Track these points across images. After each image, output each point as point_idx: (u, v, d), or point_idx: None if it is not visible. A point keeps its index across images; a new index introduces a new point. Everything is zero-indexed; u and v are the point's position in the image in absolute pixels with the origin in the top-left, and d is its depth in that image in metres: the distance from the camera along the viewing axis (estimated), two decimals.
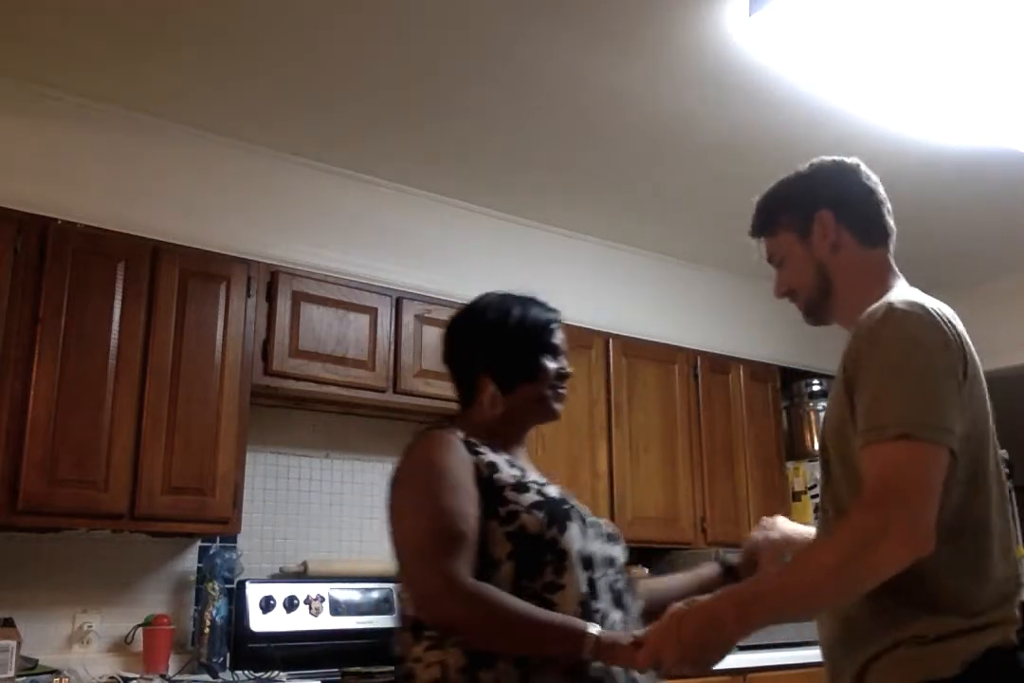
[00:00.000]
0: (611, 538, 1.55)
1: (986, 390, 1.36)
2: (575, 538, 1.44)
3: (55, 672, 2.54)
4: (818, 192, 1.50)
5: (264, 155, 3.17)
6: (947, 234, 3.91)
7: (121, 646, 2.86)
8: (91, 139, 2.86)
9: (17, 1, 2.39)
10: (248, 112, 2.96)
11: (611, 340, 3.86)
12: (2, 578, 2.71)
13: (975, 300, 4.48)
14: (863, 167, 1.53)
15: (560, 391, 1.61)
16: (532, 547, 1.40)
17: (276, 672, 2.75)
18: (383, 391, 3.18)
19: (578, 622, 1.33)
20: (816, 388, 4.43)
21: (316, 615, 3.08)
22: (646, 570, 3.74)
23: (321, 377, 3.05)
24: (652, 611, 1.49)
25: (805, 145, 3.06)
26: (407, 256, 3.36)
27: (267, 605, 3.01)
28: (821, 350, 3.96)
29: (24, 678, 2.45)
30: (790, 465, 4.27)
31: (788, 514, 4.15)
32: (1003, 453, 4.83)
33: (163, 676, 2.75)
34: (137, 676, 2.70)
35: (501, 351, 1.57)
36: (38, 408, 2.55)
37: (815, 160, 1.55)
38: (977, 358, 1.35)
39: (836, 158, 1.54)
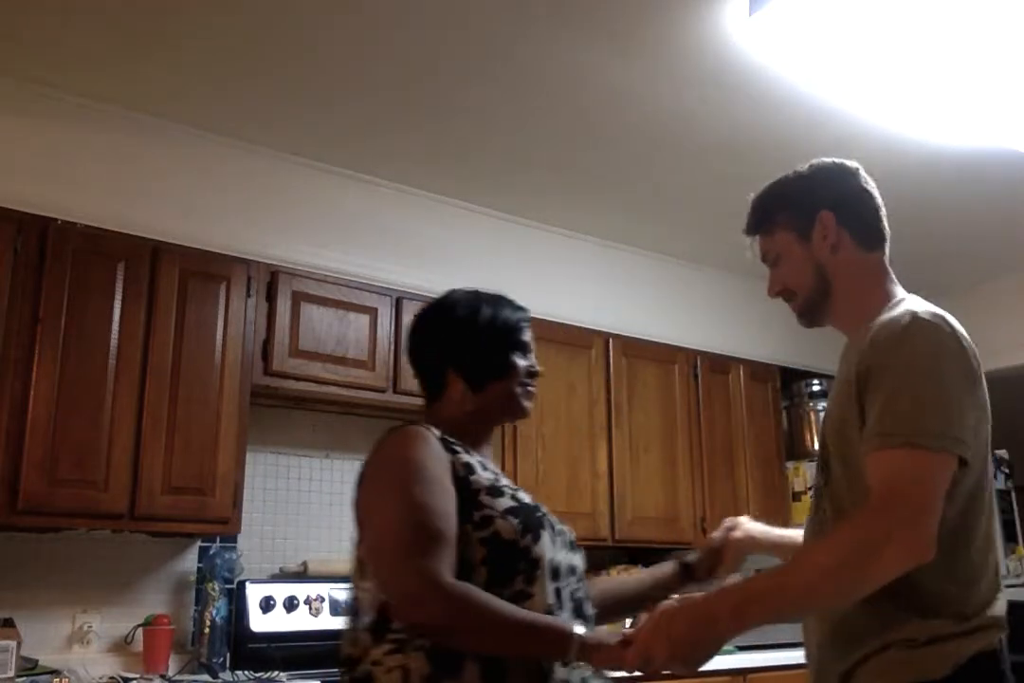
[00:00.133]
0: (573, 546, 1.51)
1: (988, 401, 1.37)
2: (547, 547, 1.42)
3: (55, 672, 2.54)
4: (819, 193, 1.49)
5: (264, 155, 3.17)
6: (947, 234, 3.91)
7: (121, 646, 2.86)
8: (91, 139, 2.86)
9: (17, 1, 2.39)
10: (248, 112, 2.96)
11: (611, 340, 3.86)
12: (2, 578, 2.71)
13: (975, 300, 4.48)
14: (862, 170, 1.54)
15: (530, 389, 1.59)
16: (506, 554, 1.37)
17: (276, 672, 2.75)
18: (383, 391, 3.18)
19: (564, 623, 1.31)
20: (816, 388, 4.43)
21: (316, 615, 3.08)
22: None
23: (321, 377, 3.05)
24: (605, 611, 1.48)
25: (805, 145, 3.06)
26: (407, 256, 3.36)
27: (267, 605, 3.01)
28: (821, 350, 3.96)
29: (24, 678, 2.45)
30: (790, 465, 4.27)
31: (788, 514, 4.16)
32: (1003, 453, 4.81)
33: (163, 676, 2.75)
34: (137, 676, 2.70)
35: (472, 349, 1.54)
36: (38, 408, 2.55)
37: (815, 161, 1.54)
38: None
39: (837, 160, 1.54)
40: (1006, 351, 4.26)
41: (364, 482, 1.44)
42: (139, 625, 2.85)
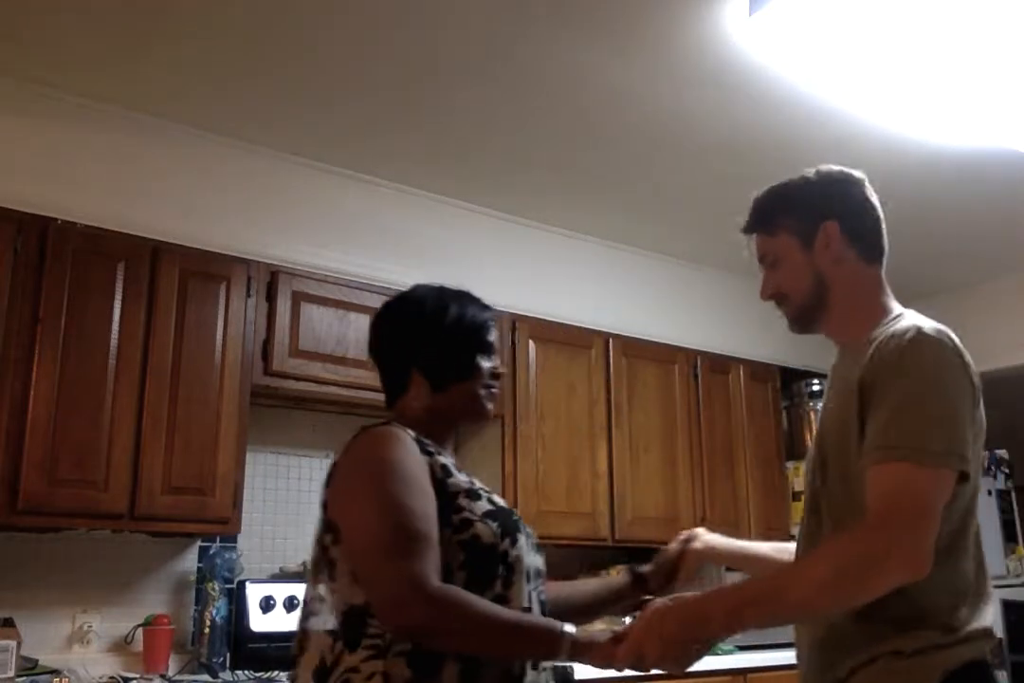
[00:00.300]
0: (538, 548, 1.50)
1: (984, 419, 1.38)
2: (523, 550, 1.41)
3: (55, 672, 2.54)
4: (825, 201, 1.48)
5: (264, 155, 3.17)
6: (947, 234, 3.91)
7: (121, 646, 2.86)
8: (91, 139, 2.86)
9: (17, 1, 2.39)
10: (248, 112, 2.96)
11: (611, 340, 3.86)
12: (2, 578, 2.71)
13: (975, 300, 4.49)
14: (867, 181, 1.53)
15: (493, 391, 1.54)
16: (485, 558, 1.36)
17: (276, 672, 2.75)
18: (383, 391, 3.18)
19: (553, 623, 1.30)
20: (816, 388, 4.43)
21: None
22: None
23: (321, 377, 3.05)
24: (555, 617, 1.45)
25: (805, 145, 3.07)
26: (407, 256, 3.36)
27: (267, 605, 3.01)
28: (821, 350, 3.92)
29: (24, 678, 2.45)
30: (790, 465, 4.27)
31: (788, 514, 4.16)
32: (1003, 453, 4.81)
33: (163, 676, 2.75)
34: (137, 676, 2.70)
35: (437, 349, 1.51)
36: (38, 408, 2.55)
37: (823, 168, 1.53)
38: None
39: (844, 169, 1.53)
40: (1006, 351, 4.26)
41: (339, 482, 1.40)
42: (139, 625, 2.85)
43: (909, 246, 4.04)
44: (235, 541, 3.09)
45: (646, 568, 1.68)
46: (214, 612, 2.91)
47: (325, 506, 1.42)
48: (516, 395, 3.53)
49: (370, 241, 3.33)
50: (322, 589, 1.39)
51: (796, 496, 4.24)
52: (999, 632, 3.84)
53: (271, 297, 3.04)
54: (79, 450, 2.59)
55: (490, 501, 1.43)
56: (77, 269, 2.69)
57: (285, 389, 3.04)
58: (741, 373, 4.23)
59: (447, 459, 1.45)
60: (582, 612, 1.61)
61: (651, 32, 2.52)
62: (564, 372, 3.69)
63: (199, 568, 3.03)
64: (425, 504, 1.33)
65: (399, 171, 3.36)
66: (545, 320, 3.71)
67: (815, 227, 1.47)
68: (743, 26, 2.45)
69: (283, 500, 3.27)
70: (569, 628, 1.27)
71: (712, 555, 1.65)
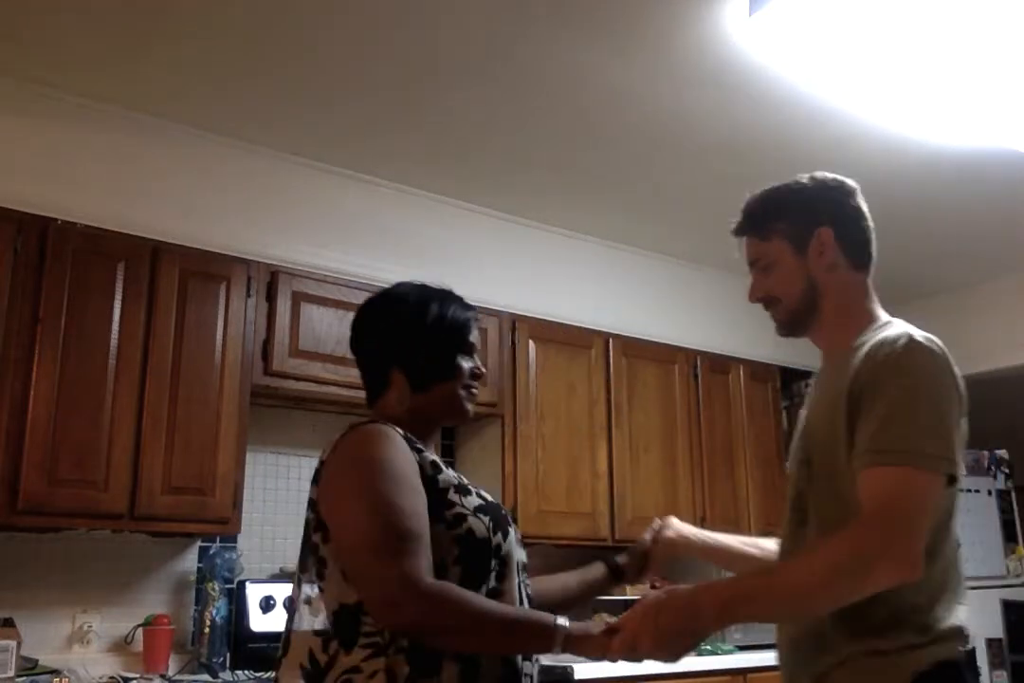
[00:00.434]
0: (521, 542, 1.51)
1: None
2: (514, 544, 1.43)
3: (55, 672, 2.54)
4: (820, 208, 1.51)
5: (264, 155, 3.17)
6: (947, 234, 3.91)
7: (121, 646, 2.86)
8: (91, 139, 2.86)
9: (17, 1, 2.39)
10: (248, 112, 2.96)
11: (611, 340, 3.86)
12: (2, 578, 2.71)
13: (975, 300, 4.49)
14: (859, 190, 1.55)
15: (473, 391, 1.54)
16: (479, 552, 1.37)
17: (274, 675, 2.75)
18: None
19: (546, 616, 1.30)
20: None
21: None
22: None
23: (321, 377, 3.05)
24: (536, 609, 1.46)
25: (805, 145, 3.07)
26: (407, 256, 3.36)
27: (267, 605, 3.01)
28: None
29: (24, 678, 2.45)
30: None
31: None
32: (1003, 453, 4.80)
33: (163, 676, 2.75)
34: (137, 676, 2.70)
35: (419, 348, 1.50)
36: (38, 408, 2.55)
37: (817, 174, 1.55)
38: None
39: (838, 177, 1.55)
40: (1006, 351, 4.26)
41: (329, 481, 1.39)
42: (139, 625, 2.85)
43: (909, 246, 4.08)
44: (235, 541, 3.09)
45: (621, 559, 1.69)
46: (214, 612, 2.92)
47: (313, 504, 1.42)
48: (516, 395, 3.53)
49: (370, 241, 3.33)
50: (309, 589, 1.38)
51: None
52: (999, 632, 3.84)
53: (271, 297, 3.04)
54: (79, 450, 2.59)
55: (479, 496, 1.44)
56: (77, 269, 2.69)
57: (285, 389, 3.04)
58: (741, 373, 4.23)
59: (434, 456, 1.45)
60: (561, 605, 1.62)
61: (651, 32, 2.52)
62: (564, 372, 3.69)
63: (199, 568, 3.03)
64: (416, 502, 1.33)
65: (399, 171, 3.36)
66: (545, 320, 3.71)
67: (809, 233, 1.49)
68: (743, 26, 2.45)
69: (283, 500, 3.27)
70: (563, 621, 1.28)
71: (684, 545, 1.68)
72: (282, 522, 3.25)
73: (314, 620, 1.35)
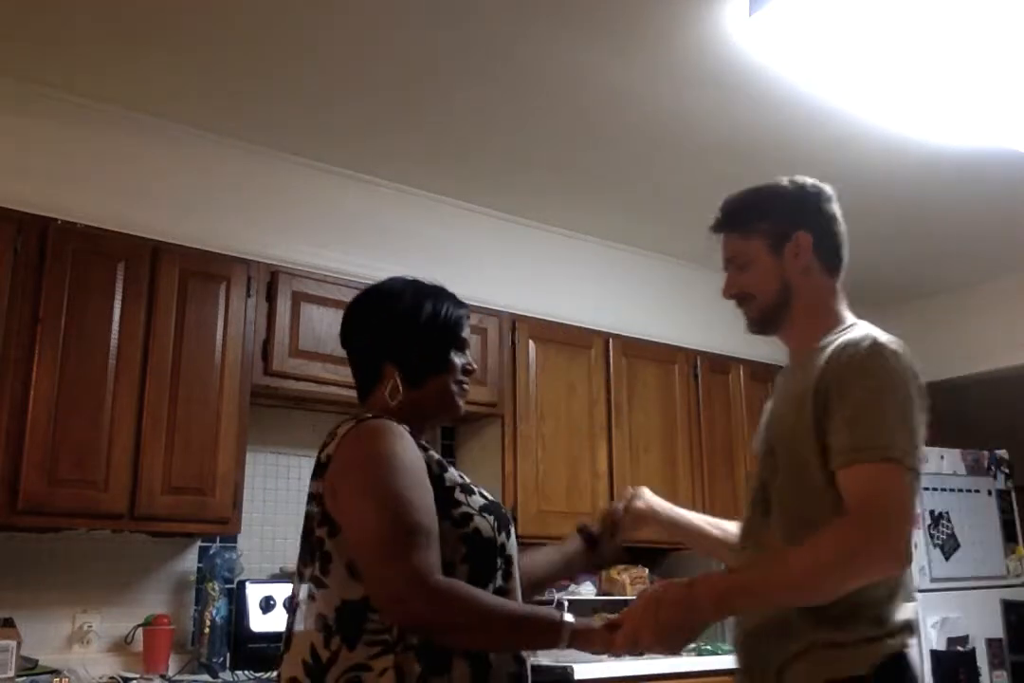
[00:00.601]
0: (518, 542, 1.52)
1: None
2: (514, 543, 1.45)
3: (55, 672, 2.55)
4: (801, 212, 1.56)
5: (264, 155, 3.17)
6: (947, 234, 3.91)
7: (121, 646, 2.86)
8: (91, 139, 2.86)
9: (17, 1, 2.39)
10: (248, 112, 2.96)
11: (611, 340, 3.86)
12: (2, 578, 2.71)
13: (975, 300, 4.49)
14: (835, 196, 1.59)
15: (465, 387, 1.55)
16: (485, 551, 1.38)
17: (276, 672, 2.74)
18: None
19: (552, 612, 1.33)
20: None
21: None
22: (646, 570, 3.74)
23: (321, 377, 3.05)
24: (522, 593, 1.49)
25: (805, 145, 3.07)
26: (407, 256, 3.36)
27: (267, 605, 3.01)
28: None
29: (24, 678, 2.45)
30: None
31: None
32: (1003, 453, 4.79)
33: (163, 676, 2.75)
34: (137, 676, 2.70)
35: (413, 343, 1.51)
36: (38, 408, 2.55)
37: (797, 178, 1.59)
38: None
39: (817, 182, 1.59)
40: (1006, 351, 4.26)
41: (338, 476, 1.38)
42: (139, 625, 2.85)
43: (909, 246, 4.08)
44: (235, 541, 3.09)
45: (594, 527, 1.75)
46: (214, 612, 2.92)
47: (316, 498, 1.40)
48: (516, 395, 3.53)
49: (370, 241, 3.33)
50: (311, 585, 1.38)
51: None
52: (999, 632, 3.84)
53: (271, 297, 3.04)
54: (79, 450, 2.59)
55: (482, 495, 1.45)
56: (77, 269, 2.69)
57: (285, 389, 3.04)
58: (741, 373, 4.23)
59: (438, 455, 1.46)
60: (544, 581, 1.67)
61: (651, 32, 2.52)
62: (564, 372, 3.69)
63: (199, 568, 3.03)
64: (426, 498, 1.34)
65: (399, 171, 3.36)
66: (545, 320, 3.71)
67: (787, 235, 1.54)
68: (743, 26, 2.45)
69: (283, 500, 3.27)
70: (568, 617, 1.30)
71: (651, 516, 1.75)
72: (282, 522, 3.25)
73: (316, 616, 1.35)
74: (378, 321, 1.54)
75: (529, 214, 3.74)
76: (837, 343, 1.44)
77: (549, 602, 3.37)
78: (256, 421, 3.06)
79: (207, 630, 2.89)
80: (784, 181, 1.58)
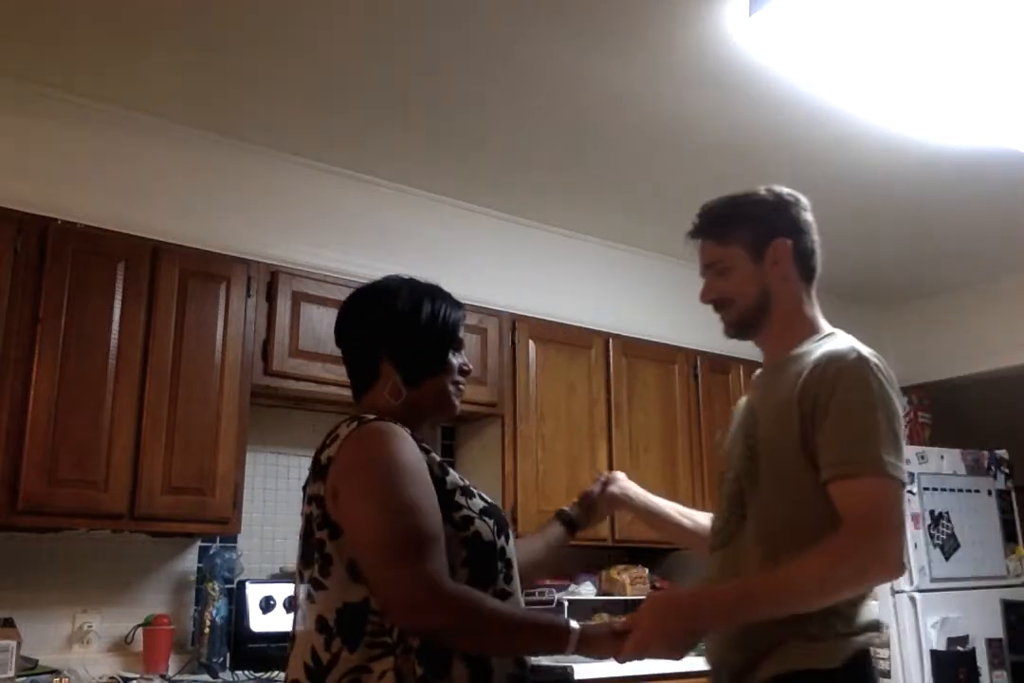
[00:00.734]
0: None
1: None
2: (513, 546, 1.45)
3: (55, 672, 2.55)
4: (780, 220, 1.59)
5: (264, 155, 3.17)
6: (947, 234, 3.91)
7: (121, 646, 2.86)
8: (91, 139, 2.86)
9: (17, 1, 2.39)
10: (248, 112, 2.96)
11: (611, 340, 3.86)
12: (2, 578, 2.71)
13: (975, 300, 4.49)
14: (810, 206, 1.63)
15: (461, 387, 1.55)
16: (485, 555, 1.38)
17: (276, 672, 2.75)
18: None
19: (559, 618, 1.35)
20: None
21: None
22: (646, 570, 3.74)
23: (321, 377, 3.05)
24: None
25: (805, 145, 3.07)
26: (407, 256, 3.36)
27: (267, 605, 3.01)
28: None
29: (24, 678, 2.45)
30: None
31: None
32: (1003, 453, 4.79)
33: (163, 676, 2.75)
34: (137, 676, 2.70)
35: (412, 343, 1.50)
36: (38, 408, 2.55)
37: (774, 188, 1.62)
38: None
39: (794, 192, 1.62)
40: (1006, 351, 4.26)
41: (340, 478, 1.35)
42: (139, 625, 2.85)
43: (909, 246, 4.08)
44: (235, 541, 3.09)
45: (573, 510, 1.78)
46: (214, 612, 2.92)
47: (316, 500, 1.38)
48: (516, 395, 3.53)
49: (370, 241, 3.33)
50: (309, 586, 1.37)
51: None
52: (999, 632, 3.84)
53: (271, 297, 3.04)
54: (79, 450, 2.59)
55: (482, 498, 1.44)
56: (77, 269, 2.69)
57: (285, 389, 3.04)
58: (741, 373, 4.23)
59: (439, 457, 1.46)
60: (536, 567, 1.69)
61: (651, 32, 2.52)
62: (564, 372, 3.69)
63: (199, 568, 3.03)
64: (432, 502, 1.34)
65: (399, 171, 3.36)
66: (545, 320, 3.71)
67: (767, 243, 1.57)
68: (743, 26, 2.45)
69: (283, 500, 3.27)
70: (575, 623, 1.31)
71: (625, 502, 1.79)
72: (282, 522, 3.25)
73: (316, 618, 1.34)
74: (374, 318, 1.54)
75: (529, 214, 3.74)
76: (819, 354, 1.47)
77: (548, 602, 3.38)
78: (256, 421, 3.06)
79: (207, 630, 2.89)
80: (761, 190, 1.62)
